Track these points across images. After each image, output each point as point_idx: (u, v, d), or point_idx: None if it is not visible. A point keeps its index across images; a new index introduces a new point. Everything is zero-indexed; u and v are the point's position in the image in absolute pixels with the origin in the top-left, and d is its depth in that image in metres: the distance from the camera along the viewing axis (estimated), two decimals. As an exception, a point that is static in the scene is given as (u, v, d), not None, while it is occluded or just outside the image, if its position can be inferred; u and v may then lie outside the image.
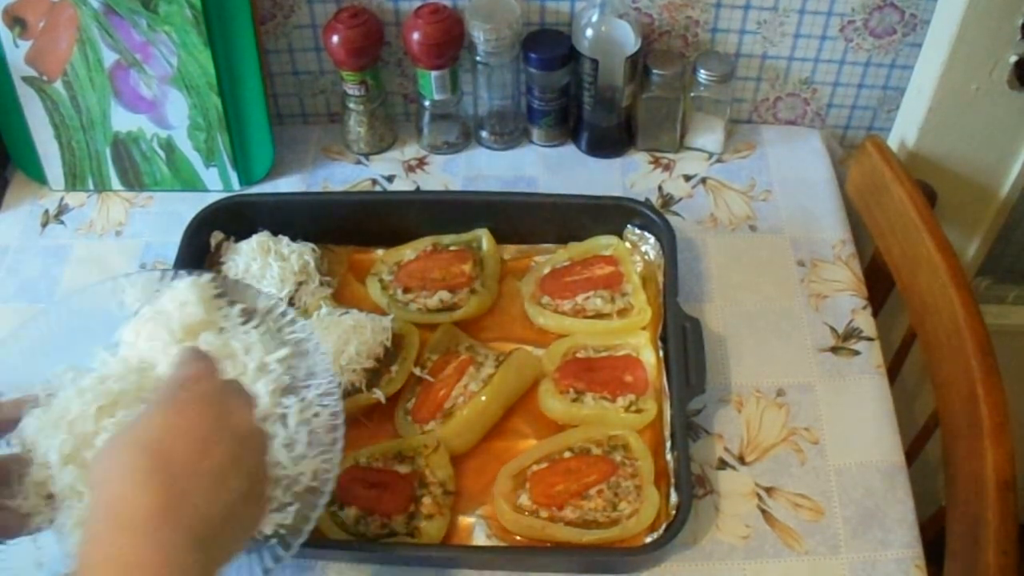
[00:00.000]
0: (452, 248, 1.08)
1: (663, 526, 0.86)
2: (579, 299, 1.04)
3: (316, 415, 0.75)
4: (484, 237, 1.09)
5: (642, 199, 1.13)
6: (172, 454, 0.59)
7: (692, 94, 1.20)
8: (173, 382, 0.66)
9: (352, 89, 1.19)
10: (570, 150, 1.26)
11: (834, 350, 1.05)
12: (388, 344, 0.99)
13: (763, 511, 0.92)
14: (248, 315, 0.81)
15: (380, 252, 1.11)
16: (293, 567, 0.89)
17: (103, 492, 0.59)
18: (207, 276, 0.81)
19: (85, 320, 0.82)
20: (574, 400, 0.97)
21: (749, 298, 1.09)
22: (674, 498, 0.88)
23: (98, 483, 0.60)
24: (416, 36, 1.13)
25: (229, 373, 0.74)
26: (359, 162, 1.25)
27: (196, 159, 1.19)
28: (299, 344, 0.79)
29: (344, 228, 1.11)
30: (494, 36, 1.14)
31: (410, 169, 1.24)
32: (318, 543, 0.88)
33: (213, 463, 0.60)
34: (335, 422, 0.75)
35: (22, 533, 0.71)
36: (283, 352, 0.76)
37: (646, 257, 1.07)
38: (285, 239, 1.07)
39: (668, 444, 0.92)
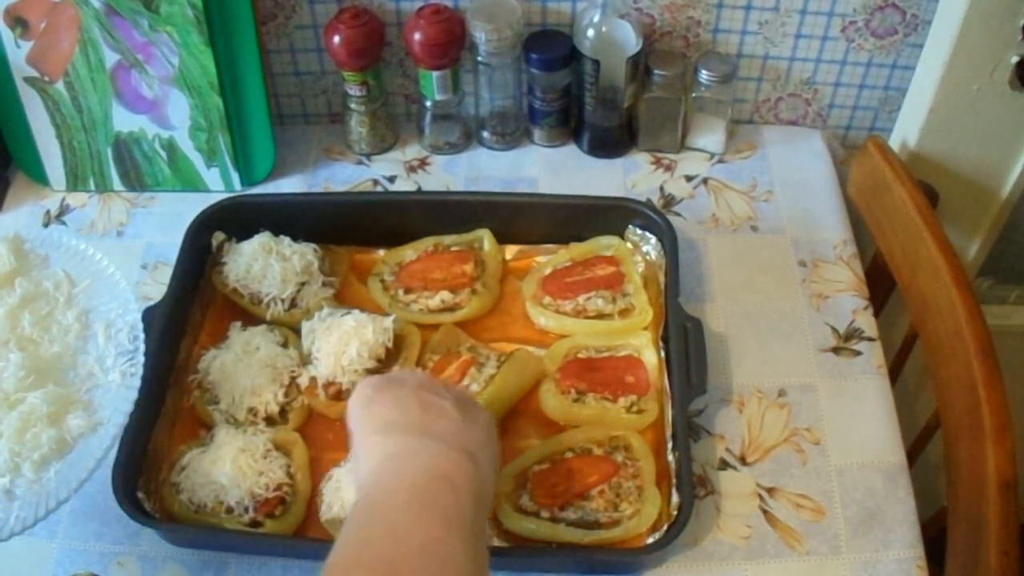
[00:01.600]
0: (453, 248, 1.08)
1: (664, 526, 0.86)
2: (580, 299, 1.04)
3: (120, 330, 0.88)
4: (485, 237, 1.09)
5: (643, 199, 1.13)
6: (391, 409, 0.76)
7: (693, 94, 1.20)
8: (373, 394, 0.79)
9: (353, 89, 1.19)
10: (571, 150, 1.26)
11: (835, 350, 1.05)
12: (389, 344, 0.99)
13: (764, 511, 0.93)
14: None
15: (381, 252, 1.11)
16: (293, 568, 0.89)
17: (367, 424, 0.75)
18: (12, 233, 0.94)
19: None
20: (575, 400, 0.97)
21: (750, 298, 1.09)
22: (675, 498, 0.88)
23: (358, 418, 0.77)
24: (417, 36, 1.13)
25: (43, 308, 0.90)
26: (360, 162, 1.25)
27: (197, 159, 1.19)
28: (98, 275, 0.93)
29: (345, 228, 1.11)
30: (495, 36, 1.14)
31: (411, 169, 1.24)
32: (318, 543, 0.88)
33: (416, 403, 0.75)
34: (136, 332, 0.88)
35: None
36: (85, 283, 0.93)
37: (647, 257, 1.07)
38: (286, 239, 1.07)
39: (669, 444, 0.92)
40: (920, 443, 1.13)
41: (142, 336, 0.88)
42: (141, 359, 0.86)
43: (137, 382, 0.85)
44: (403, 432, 0.72)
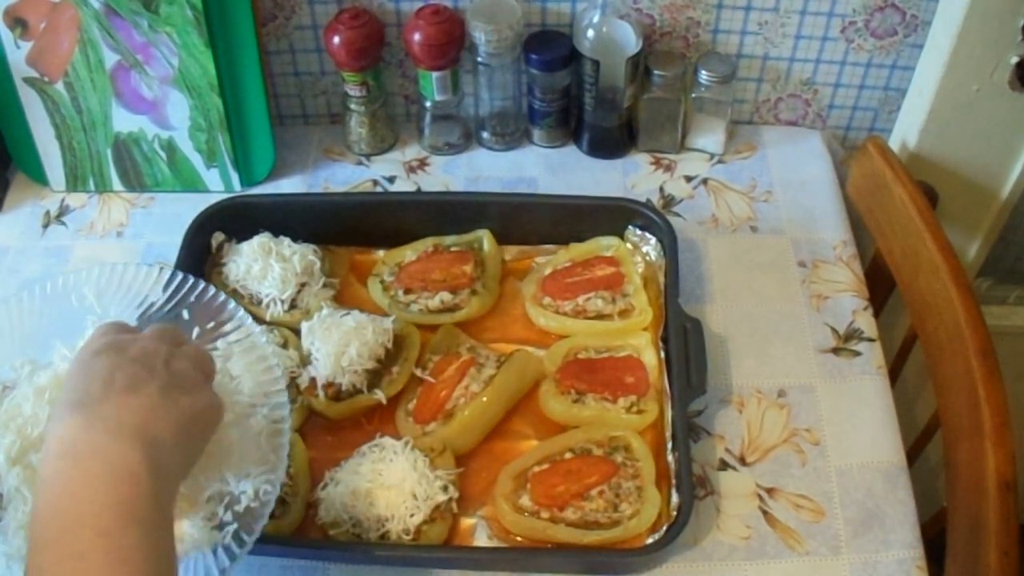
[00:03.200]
0: (453, 249, 1.08)
1: (664, 527, 0.86)
2: (580, 300, 1.04)
3: (263, 432, 0.76)
4: (485, 238, 1.09)
5: (643, 200, 1.13)
6: (89, 385, 0.66)
7: (693, 95, 1.20)
8: (79, 350, 0.70)
9: (353, 90, 1.19)
10: (571, 151, 1.26)
11: (835, 351, 1.05)
12: (389, 345, 0.99)
13: (764, 512, 0.93)
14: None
15: (381, 253, 1.11)
16: (292, 568, 0.89)
17: (48, 444, 0.64)
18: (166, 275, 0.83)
19: (46, 312, 0.82)
20: (575, 401, 0.97)
21: (750, 299, 1.09)
22: (675, 499, 0.88)
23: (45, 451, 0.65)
24: (417, 37, 1.13)
25: None
26: (360, 163, 1.25)
27: (197, 160, 1.19)
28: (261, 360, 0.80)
29: (345, 229, 1.11)
30: (495, 37, 1.14)
31: (411, 170, 1.24)
32: (319, 544, 0.88)
33: (121, 382, 0.66)
34: (280, 440, 0.76)
35: None
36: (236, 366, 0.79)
37: (647, 258, 1.07)
38: (286, 240, 1.07)
39: (669, 445, 0.92)
40: (920, 443, 1.13)
41: (287, 448, 0.78)
42: (282, 475, 0.77)
43: (271, 503, 0.76)
44: (81, 413, 0.64)
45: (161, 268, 0.83)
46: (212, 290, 0.83)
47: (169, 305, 0.83)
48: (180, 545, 0.72)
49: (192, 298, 0.83)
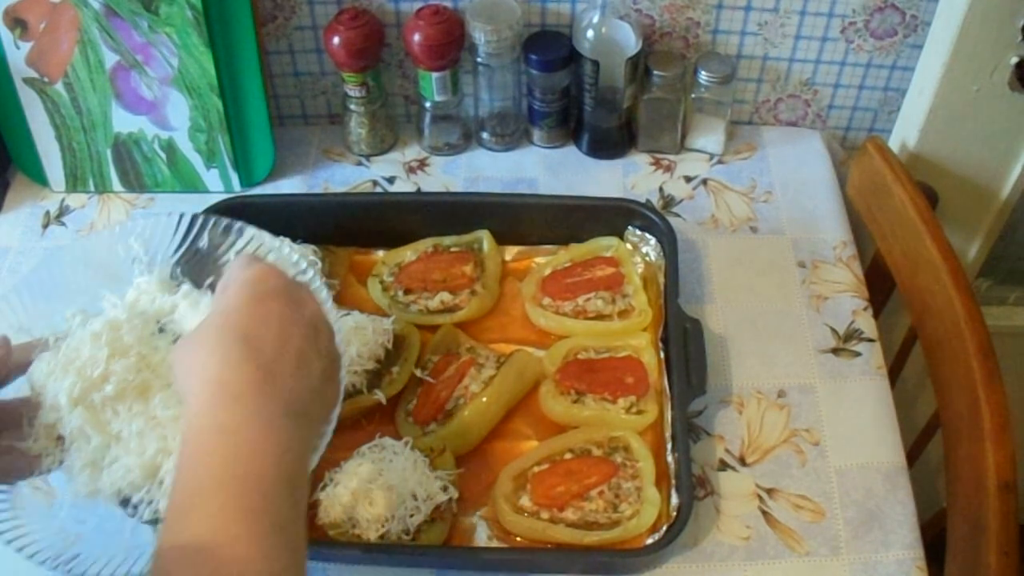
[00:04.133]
0: (453, 249, 1.08)
1: (664, 527, 0.86)
2: (580, 300, 1.04)
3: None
4: (485, 238, 1.09)
5: (643, 200, 1.14)
6: (260, 340, 0.64)
7: (693, 95, 1.20)
8: (244, 281, 0.68)
9: (353, 90, 1.19)
10: (571, 151, 1.26)
11: (835, 351, 1.05)
12: (389, 345, 0.99)
13: (764, 512, 0.93)
14: None
15: (381, 253, 1.11)
16: (294, 568, 0.89)
17: (201, 374, 0.63)
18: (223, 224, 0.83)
19: (93, 265, 0.83)
20: (575, 401, 0.97)
21: (750, 299, 1.09)
22: (675, 499, 0.88)
23: (192, 368, 0.64)
24: (417, 37, 1.13)
25: None
26: (360, 163, 1.25)
27: (197, 160, 1.19)
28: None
29: (345, 229, 1.11)
30: (495, 37, 1.14)
31: (411, 170, 1.24)
32: (319, 545, 0.88)
33: (295, 346, 0.65)
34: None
35: (32, 474, 0.73)
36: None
37: (647, 258, 1.07)
38: (286, 240, 1.06)
39: (669, 445, 0.92)
40: (920, 444, 1.13)
41: (343, 357, 0.77)
42: (334, 421, 0.75)
43: (327, 440, 0.75)
44: (255, 384, 0.63)
45: (191, 216, 0.84)
46: (237, 224, 0.84)
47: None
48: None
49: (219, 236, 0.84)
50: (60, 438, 0.74)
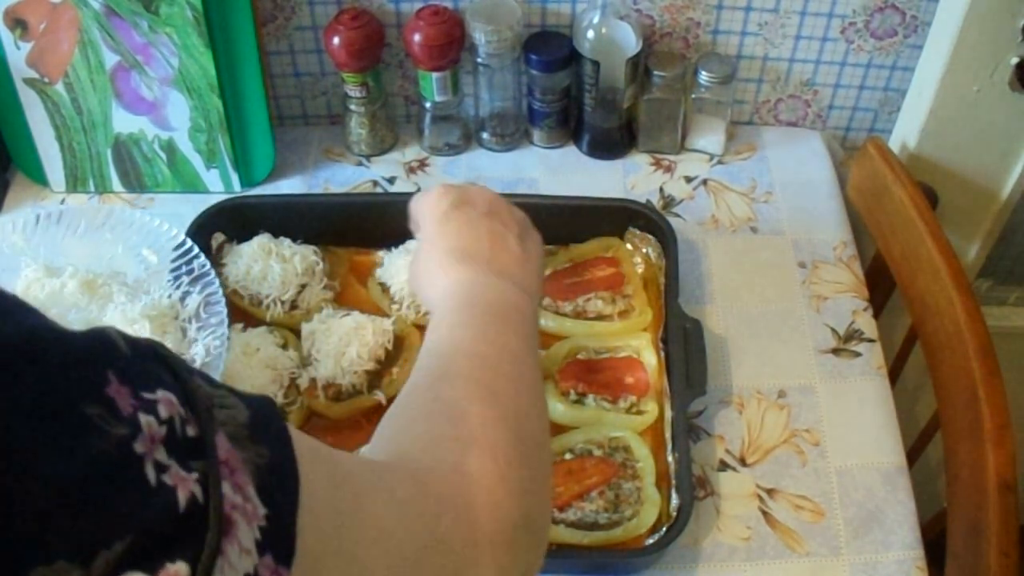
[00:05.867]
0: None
1: (664, 528, 0.86)
2: (580, 301, 1.04)
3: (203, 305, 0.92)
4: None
5: (643, 201, 1.13)
6: (462, 243, 0.77)
7: (693, 96, 1.20)
8: (428, 213, 0.82)
9: (353, 91, 1.19)
10: (571, 152, 1.26)
11: (835, 351, 1.05)
12: (389, 346, 0.99)
13: (764, 512, 0.93)
14: None
15: (381, 253, 1.11)
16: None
17: (437, 287, 0.76)
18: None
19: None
20: (575, 402, 0.97)
21: (750, 300, 1.09)
22: (675, 500, 0.88)
23: (431, 287, 0.78)
24: (417, 38, 1.14)
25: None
26: (360, 164, 1.25)
27: (197, 161, 1.19)
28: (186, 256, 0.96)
29: (345, 230, 1.11)
30: (495, 38, 1.14)
31: (411, 171, 1.24)
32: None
33: (486, 232, 0.78)
34: (217, 306, 0.91)
35: None
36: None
37: (647, 259, 1.07)
38: (287, 241, 1.07)
39: (669, 446, 0.92)
40: (920, 444, 1.13)
41: (224, 311, 0.90)
42: (226, 332, 0.88)
43: (223, 356, 0.86)
44: (474, 262, 0.76)
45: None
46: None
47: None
48: None
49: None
50: None
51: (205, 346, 0.88)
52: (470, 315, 0.71)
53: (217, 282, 0.94)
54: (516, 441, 0.59)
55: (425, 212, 0.83)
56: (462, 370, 0.64)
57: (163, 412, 0.36)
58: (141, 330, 0.89)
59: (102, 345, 0.36)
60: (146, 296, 0.95)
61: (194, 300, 0.92)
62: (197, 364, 0.86)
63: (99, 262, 0.98)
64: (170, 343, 0.88)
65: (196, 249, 0.95)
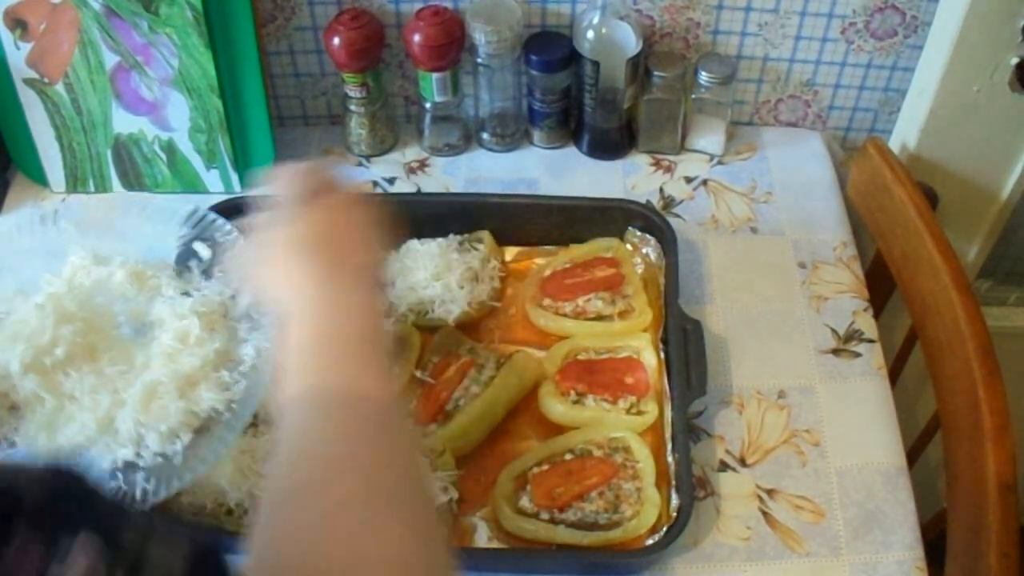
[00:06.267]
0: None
1: (664, 528, 0.86)
2: (580, 301, 1.04)
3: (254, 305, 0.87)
4: (485, 239, 1.09)
5: (643, 201, 1.13)
6: (315, 241, 0.71)
7: (693, 96, 1.20)
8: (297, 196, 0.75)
9: (353, 91, 1.19)
10: (571, 152, 1.26)
11: (835, 352, 1.05)
12: (389, 346, 0.99)
13: (764, 513, 0.92)
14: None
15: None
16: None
17: (290, 282, 0.70)
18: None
19: (28, 247, 0.92)
20: (575, 402, 0.97)
21: (750, 300, 1.09)
22: (675, 500, 0.88)
23: (280, 283, 0.71)
24: (417, 38, 1.13)
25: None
26: (360, 164, 1.25)
27: (197, 161, 1.19)
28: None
29: (345, 230, 1.11)
30: (495, 38, 1.14)
31: (411, 171, 1.24)
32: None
33: (339, 233, 0.73)
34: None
35: None
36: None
37: (647, 259, 1.07)
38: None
39: (669, 446, 0.92)
40: (920, 445, 1.13)
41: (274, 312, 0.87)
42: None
43: (271, 359, 0.84)
44: (333, 271, 0.70)
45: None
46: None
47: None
48: (198, 407, 0.80)
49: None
50: (13, 407, 0.77)
51: (255, 347, 0.85)
52: (318, 332, 0.67)
53: None
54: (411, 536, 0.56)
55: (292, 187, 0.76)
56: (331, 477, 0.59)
57: (80, 567, 0.33)
58: (191, 326, 0.86)
59: (11, 493, 0.34)
60: (196, 292, 0.92)
61: (246, 299, 0.88)
62: (247, 364, 0.84)
63: (149, 252, 0.95)
64: (219, 342, 0.85)
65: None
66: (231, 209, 1.08)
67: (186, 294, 0.92)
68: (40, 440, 0.77)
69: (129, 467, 0.78)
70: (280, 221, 0.73)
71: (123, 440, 0.78)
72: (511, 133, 1.25)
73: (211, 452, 0.79)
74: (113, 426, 0.79)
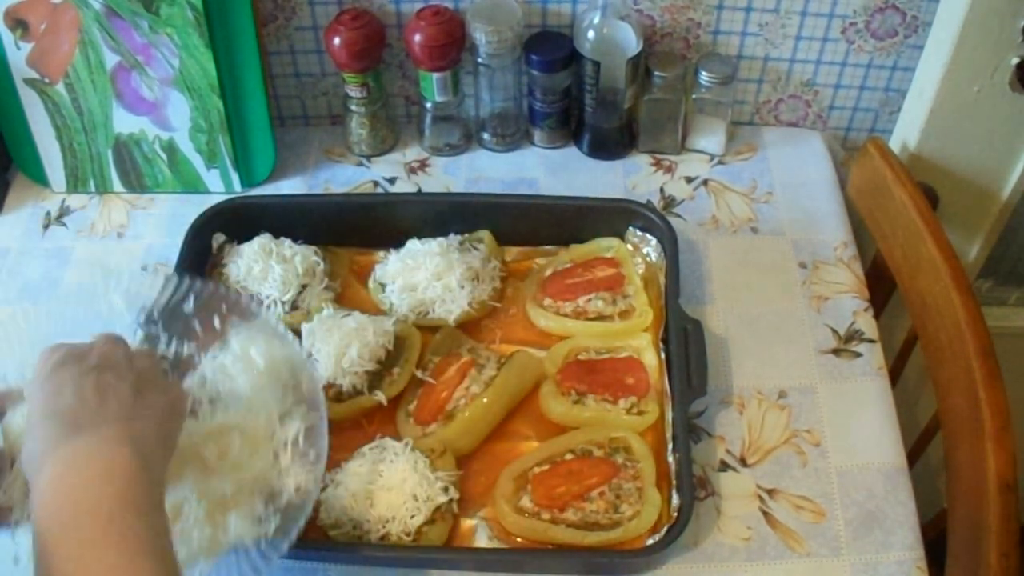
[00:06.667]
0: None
1: (665, 528, 0.86)
2: (581, 301, 1.04)
3: (303, 433, 0.77)
4: (485, 239, 1.09)
5: (644, 201, 1.13)
6: (58, 403, 0.68)
7: (694, 96, 1.20)
8: (37, 371, 0.72)
9: (354, 91, 1.19)
10: (572, 152, 1.26)
11: (836, 352, 1.05)
12: (390, 346, 0.99)
13: (764, 513, 0.93)
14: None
15: (382, 254, 1.11)
16: (294, 570, 0.89)
17: (38, 457, 0.66)
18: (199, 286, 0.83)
19: (74, 318, 0.84)
20: (576, 402, 0.97)
21: (751, 300, 1.09)
22: (676, 500, 0.88)
23: (30, 460, 0.68)
24: (418, 38, 1.14)
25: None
26: (361, 164, 1.25)
27: (198, 161, 1.19)
28: (292, 367, 0.81)
29: (346, 230, 1.11)
30: (495, 38, 1.14)
31: (412, 171, 1.24)
32: (320, 546, 0.88)
33: (91, 387, 0.69)
34: (320, 441, 0.77)
35: (1, 526, 0.73)
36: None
37: (648, 259, 1.07)
38: (287, 241, 1.07)
39: (670, 446, 0.92)
40: (920, 445, 1.13)
41: (326, 448, 0.78)
42: (321, 470, 0.77)
43: (313, 498, 0.77)
44: (75, 428, 0.67)
45: (180, 277, 0.85)
46: (222, 288, 0.85)
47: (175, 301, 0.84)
48: (225, 536, 0.74)
49: (201, 295, 0.84)
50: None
51: (297, 483, 0.76)
52: (52, 509, 0.64)
53: (326, 415, 0.79)
54: None
55: (32, 382, 0.73)
56: None
57: None
58: (232, 442, 0.77)
59: None
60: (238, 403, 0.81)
61: (295, 425, 0.78)
62: (283, 501, 0.76)
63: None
64: (258, 466, 0.76)
65: (309, 371, 0.81)
66: (231, 209, 1.09)
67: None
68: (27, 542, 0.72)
69: None
70: (31, 403, 0.71)
71: None
72: (511, 133, 1.25)
73: None
74: None
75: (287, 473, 0.76)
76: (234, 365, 0.82)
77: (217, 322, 0.83)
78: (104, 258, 1.15)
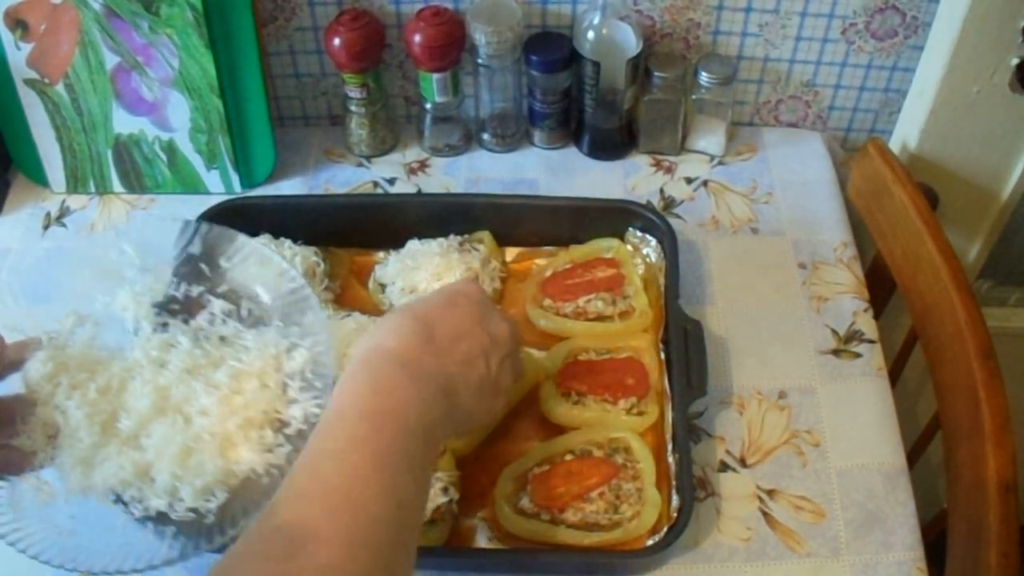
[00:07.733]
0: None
1: (664, 528, 0.86)
2: (580, 302, 1.04)
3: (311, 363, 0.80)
4: (485, 239, 1.09)
5: (643, 201, 1.14)
6: (435, 325, 0.75)
7: (693, 96, 1.20)
8: (445, 287, 0.83)
9: (353, 92, 1.19)
10: (571, 152, 1.26)
11: (835, 352, 1.05)
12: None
13: (764, 513, 0.93)
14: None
15: (381, 254, 1.11)
16: (294, 569, 0.89)
17: (374, 336, 0.74)
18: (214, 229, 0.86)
19: (87, 267, 0.86)
20: (575, 402, 0.97)
21: (750, 300, 1.09)
22: (675, 500, 0.88)
23: (372, 332, 0.75)
24: (417, 38, 1.14)
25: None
26: (360, 164, 1.25)
27: (197, 161, 1.19)
28: (299, 302, 0.84)
29: (346, 230, 1.11)
30: (495, 38, 1.14)
31: (411, 171, 1.24)
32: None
33: (467, 345, 0.76)
34: (325, 370, 0.79)
35: (24, 471, 0.75)
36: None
37: (647, 260, 1.07)
38: (287, 242, 1.07)
39: (669, 446, 0.92)
40: (920, 445, 1.13)
41: (331, 376, 0.79)
42: (328, 398, 0.78)
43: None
44: (425, 357, 0.73)
45: (185, 221, 0.87)
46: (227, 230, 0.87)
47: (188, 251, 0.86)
48: (237, 467, 0.76)
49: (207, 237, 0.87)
50: (53, 436, 0.75)
51: (304, 411, 0.78)
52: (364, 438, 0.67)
53: (329, 342, 0.81)
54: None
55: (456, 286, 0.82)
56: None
57: None
58: (245, 382, 0.79)
59: None
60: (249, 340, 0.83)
61: (301, 356, 0.80)
62: (292, 428, 0.78)
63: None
64: (268, 398, 0.78)
65: (313, 299, 0.83)
66: (231, 210, 1.09)
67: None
68: (75, 476, 0.75)
69: (161, 517, 0.75)
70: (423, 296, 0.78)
71: (158, 490, 0.75)
72: (511, 134, 1.25)
73: (244, 517, 0.74)
74: (149, 473, 0.76)
75: (295, 403, 0.78)
76: (240, 302, 0.85)
77: (223, 262, 0.86)
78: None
